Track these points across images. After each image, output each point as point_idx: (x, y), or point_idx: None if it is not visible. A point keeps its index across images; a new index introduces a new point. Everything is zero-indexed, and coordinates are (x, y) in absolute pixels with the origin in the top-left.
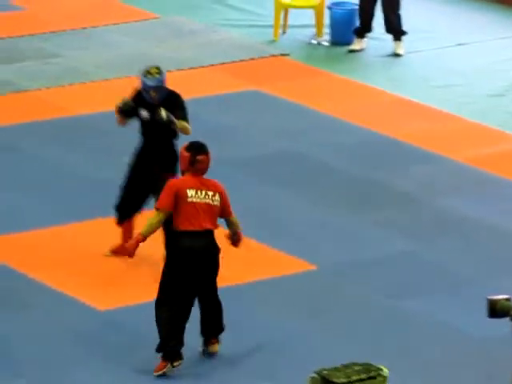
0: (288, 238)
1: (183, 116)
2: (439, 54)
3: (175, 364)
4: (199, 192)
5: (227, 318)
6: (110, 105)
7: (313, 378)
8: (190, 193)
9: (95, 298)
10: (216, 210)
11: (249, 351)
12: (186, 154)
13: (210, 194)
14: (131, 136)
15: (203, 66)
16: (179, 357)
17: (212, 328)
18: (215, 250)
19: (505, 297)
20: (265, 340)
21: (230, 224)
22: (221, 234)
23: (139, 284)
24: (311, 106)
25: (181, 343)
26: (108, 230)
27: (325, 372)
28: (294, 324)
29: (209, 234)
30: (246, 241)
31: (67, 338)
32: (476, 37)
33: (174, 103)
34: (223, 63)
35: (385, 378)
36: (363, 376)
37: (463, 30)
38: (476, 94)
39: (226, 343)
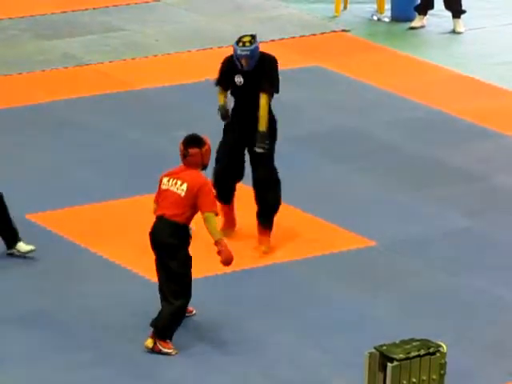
0: (348, 215)
1: (268, 87)
2: (499, 31)
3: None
4: (171, 180)
5: (285, 294)
6: (171, 79)
7: (371, 353)
8: (164, 180)
9: (150, 270)
10: (178, 198)
11: (307, 325)
12: (180, 147)
13: (179, 182)
14: (192, 110)
15: (264, 42)
16: None
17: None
18: (165, 237)
19: None
20: (324, 314)
21: (203, 221)
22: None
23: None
24: (372, 83)
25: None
26: None
27: (384, 347)
28: (352, 299)
29: (166, 221)
30: (307, 216)
31: (125, 309)
32: None
33: (263, 71)
34: (284, 39)
35: (443, 354)
36: (422, 352)
37: None
38: None
39: (284, 317)
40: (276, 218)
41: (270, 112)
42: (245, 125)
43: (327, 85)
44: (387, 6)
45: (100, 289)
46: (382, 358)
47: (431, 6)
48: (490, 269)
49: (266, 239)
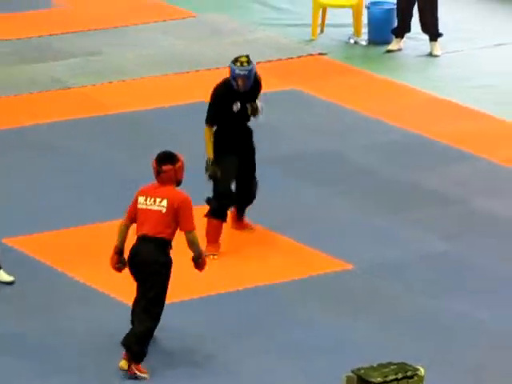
0: (325, 238)
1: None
2: (476, 54)
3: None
4: (148, 199)
5: (263, 317)
6: (151, 102)
7: (349, 376)
8: (140, 199)
9: (128, 294)
10: (160, 215)
11: (284, 349)
12: (154, 165)
13: (158, 200)
14: (173, 133)
15: None
16: None
17: (126, 336)
18: (152, 255)
19: None
20: (302, 337)
21: (187, 242)
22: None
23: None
24: (349, 106)
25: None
26: None
27: (361, 371)
28: (330, 322)
29: (150, 240)
30: (284, 239)
31: (102, 334)
32: None
33: (258, 91)
34: (261, 62)
35: (421, 377)
36: (399, 375)
37: (501, 30)
38: (510, 94)
39: (261, 340)
40: (255, 241)
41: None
42: (243, 148)
43: (304, 108)
44: (364, 29)
45: (78, 313)
46: (359, 382)
47: (408, 29)
48: (468, 292)
49: (247, 224)
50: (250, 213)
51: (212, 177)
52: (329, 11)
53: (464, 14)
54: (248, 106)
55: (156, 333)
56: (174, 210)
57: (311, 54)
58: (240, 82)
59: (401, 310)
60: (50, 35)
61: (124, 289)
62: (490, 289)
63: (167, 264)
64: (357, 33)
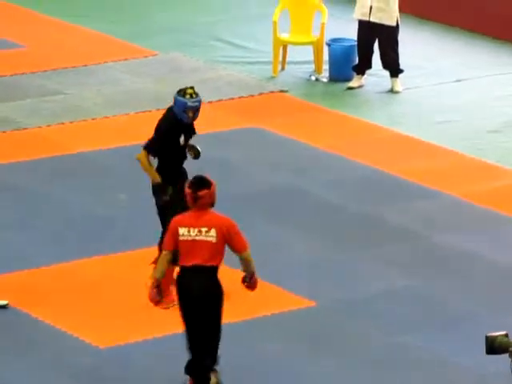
0: (288, 275)
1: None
2: (438, 90)
3: None
4: (192, 230)
5: (225, 356)
6: (111, 142)
7: None
8: (182, 231)
9: (95, 336)
10: (211, 245)
11: None
12: (188, 191)
13: (204, 230)
14: (131, 174)
15: (202, 103)
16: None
17: (199, 366)
18: (206, 285)
19: (503, 333)
20: (260, 373)
21: (241, 262)
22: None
23: (139, 320)
24: (310, 143)
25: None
26: (109, 267)
27: None
28: (293, 361)
29: (202, 270)
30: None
31: (67, 376)
32: (474, 73)
33: (192, 126)
34: (222, 100)
35: None
36: None
37: (462, 66)
38: (474, 130)
39: (224, 380)
40: None
41: None
42: (180, 181)
43: (265, 145)
44: (325, 67)
45: (43, 356)
46: None
47: (369, 66)
48: (432, 329)
49: None
50: None
51: (167, 202)
52: (290, 48)
53: (425, 50)
54: (188, 149)
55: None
56: (224, 237)
57: (272, 92)
58: (191, 114)
59: (362, 347)
60: (4, 75)
61: (89, 329)
62: (451, 324)
63: (221, 293)
64: (318, 70)
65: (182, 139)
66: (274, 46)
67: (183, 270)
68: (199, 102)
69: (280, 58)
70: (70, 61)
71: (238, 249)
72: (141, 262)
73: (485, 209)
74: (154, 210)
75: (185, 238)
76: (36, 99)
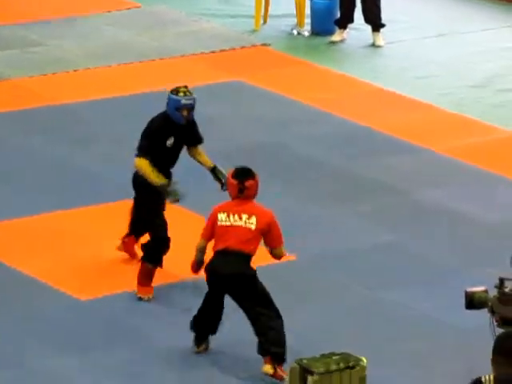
0: None
1: (201, 137)
2: (420, 44)
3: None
4: (231, 215)
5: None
6: (92, 94)
7: (292, 367)
8: (221, 217)
9: (76, 288)
10: (249, 231)
11: (229, 343)
12: (234, 182)
13: (245, 216)
14: (113, 125)
15: (184, 56)
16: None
17: (259, 345)
18: (237, 267)
19: (482, 288)
20: (244, 328)
21: (274, 256)
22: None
23: (120, 273)
24: (292, 97)
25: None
26: (89, 219)
27: (304, 361)
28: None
29: (235, 253)
30: None
31: (47, 328)
32: (457, 27)
33: (193, 129)
34: (204, 53)
35: (363, 367)
36: (342, 366)
37: (444, 20)
38: (456, 85)
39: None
40: (193, 235)
41: None
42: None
43: (247, 99)
44: (307, 20)
45: (25, 308)
46: (302, 372)
47: (351, 20)
48: (413, 284)
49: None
50: (197, 205)
51: (177, 200)
52: (272, 1)
53: (406, 4)
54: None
55: None
56: (262, 227)
57: (254, 45)
58: (185, 113)
59: (345, 300)
60: None
61: (69, 281)
62: (437, 279)
63: (255, 276)
64: (300, 24)
65: (169, 142)
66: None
67: (215, 253)
68: (193, 100)
69: (262, 12)
70: (53, 12)
71: (274, 244)
72: (120, 214)
73: (466, 164)
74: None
75: (223, 224)
76: (18, 50)
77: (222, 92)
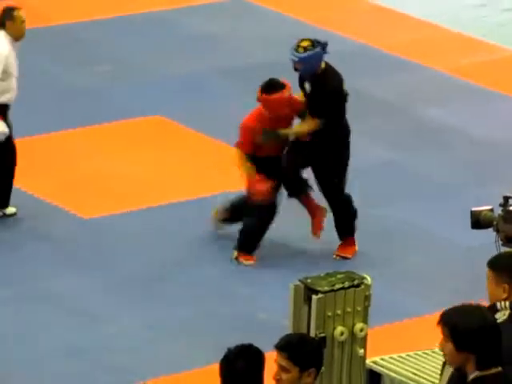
0: None
1: (319, 114)
2: None
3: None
4: None
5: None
6: (92, 14)
7: (296, 285)
8: None
9: (80, 207)
10: None
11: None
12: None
13: None
14: (114, 45)
15: None
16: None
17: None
18: None
19: (488, 208)
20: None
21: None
22: None
23: (124, 193)
24: (294, 15)
25: None
26: (90, 139)
27: (308, 280)
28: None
29: None
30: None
31: (51, 245)
32: None
33: (319, 95)
34: None
35: (368, 286)
36: (346, 284)
37: None
38: (458, 5)
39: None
40: (196, 153)
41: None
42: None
43: (251, 18)
44: None
45: (29, 226)
46: (306, 291)
47: None
48: (415, 202)
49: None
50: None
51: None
52: None
53: None
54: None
55: None
56: None
57: None
58: (297, 66)
59: None
60: None
61: (73, 201)
62: (438, 197)
63: None
64: None
65: (307, 87)
66: None
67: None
68: (300, 58)
69: None
70: None
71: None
72: (124, 134)
73: (468, 83)
74: (135, 80)
75: None
76: None
77: (225, 11)
